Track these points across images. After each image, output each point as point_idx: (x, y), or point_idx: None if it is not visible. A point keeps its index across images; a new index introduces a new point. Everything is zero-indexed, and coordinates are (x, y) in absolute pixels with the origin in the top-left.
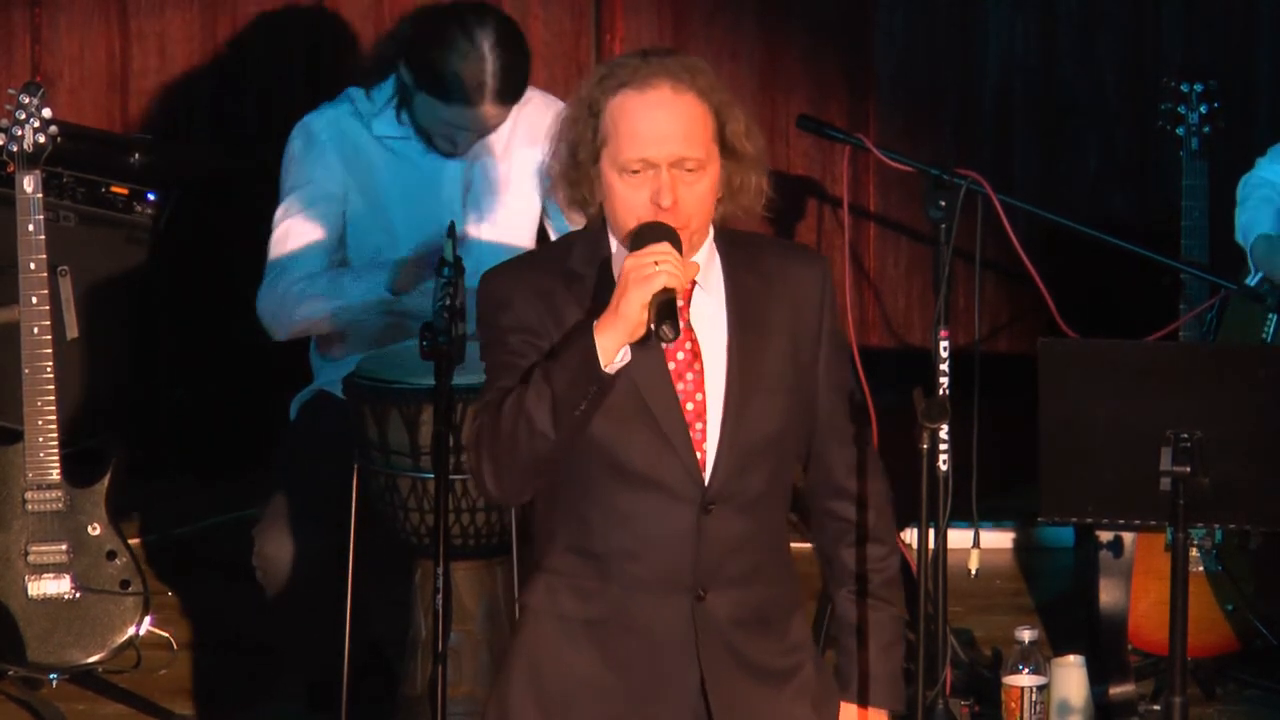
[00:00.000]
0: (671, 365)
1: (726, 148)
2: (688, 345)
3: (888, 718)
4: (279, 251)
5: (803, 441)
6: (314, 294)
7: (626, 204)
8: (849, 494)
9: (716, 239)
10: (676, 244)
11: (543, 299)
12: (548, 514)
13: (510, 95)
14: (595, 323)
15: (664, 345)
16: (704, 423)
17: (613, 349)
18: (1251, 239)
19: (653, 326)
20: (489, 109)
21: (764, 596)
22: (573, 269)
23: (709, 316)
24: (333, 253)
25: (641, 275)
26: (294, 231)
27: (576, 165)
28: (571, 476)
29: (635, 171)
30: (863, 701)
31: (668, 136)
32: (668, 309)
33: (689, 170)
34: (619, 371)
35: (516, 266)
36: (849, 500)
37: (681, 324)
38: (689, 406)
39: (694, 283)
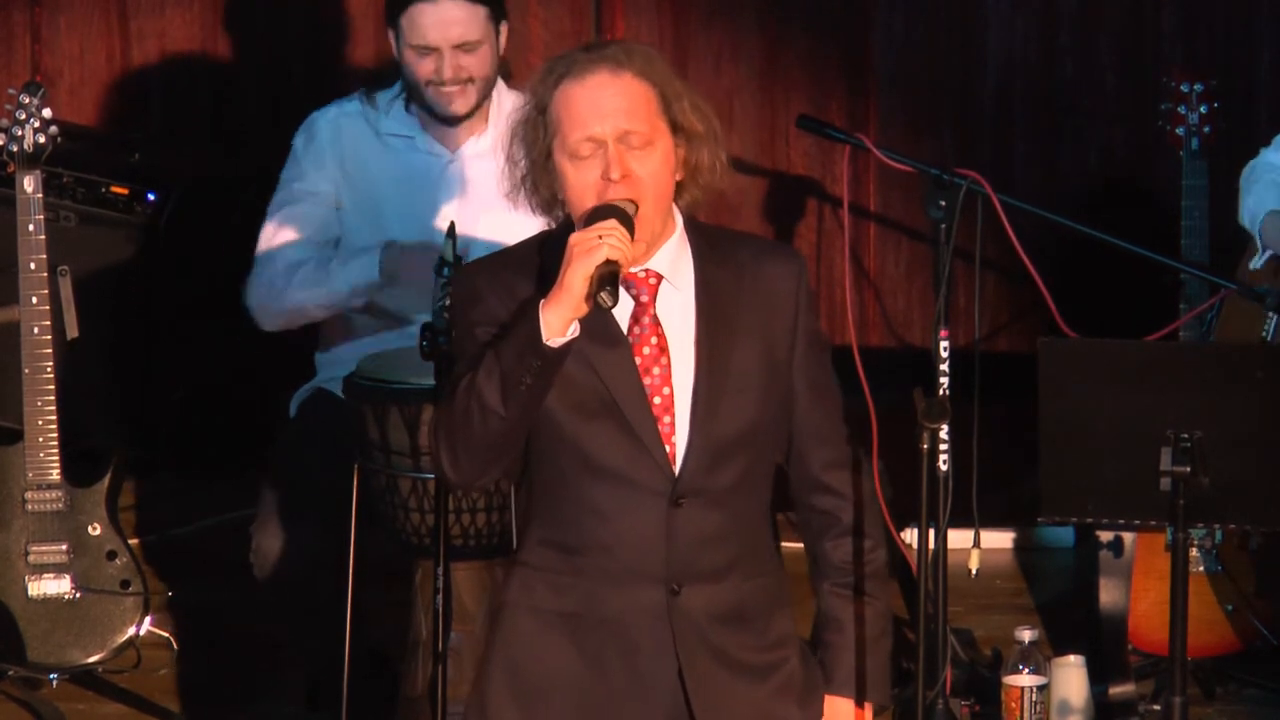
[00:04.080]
0: (638, 359)
1: (675, 125)
2: (654, 340)
3: (872, 711)
4: (267, 242)
5: (780, 438)
6: (300, 282)
7: (580, 188)
8: (829, 489)
9: (689, 232)
10: (626, 222)
11: (512, 294)
12: (527, 509)
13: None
14: (543, 299)
15: (632, 338)
16: (672, 416)
17: (557, 323)
18: (1261, 217)
19: (591, 293)
20: (451, 8)
21: (742, 591)
22: (542, 264)
23: (677, 310)
24: (320, 249)
25: (585, 248)
26: (284, 224)
27: (534, 165)
28: (544, 469)
29: (585, 155)
30: (847, 695)
31: (610, 112)
32: (609, 279)
33: (635, 146)
34: (567, 351)
35: (490, 262)
36: (830, 495)
37: (624, 293)
38: (656, 400)
39: (661, 277)
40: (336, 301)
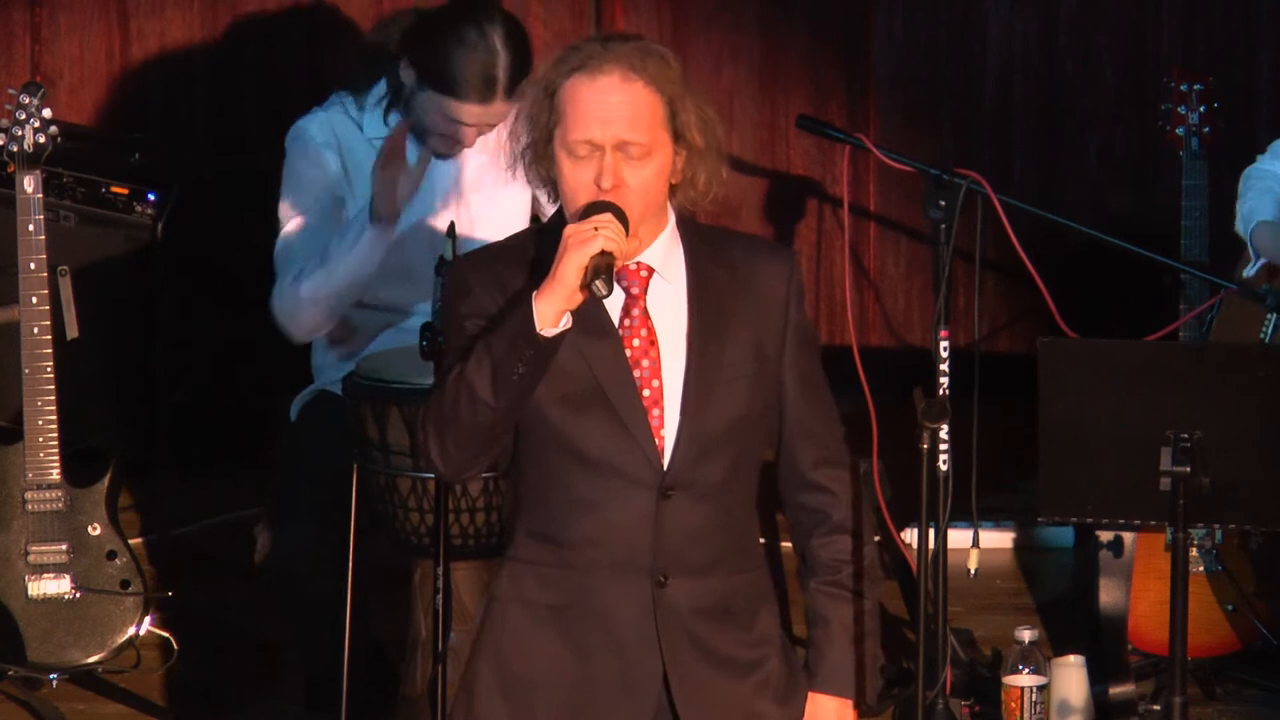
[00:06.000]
0: (628, 351)
1: (678, 136)
2: (643, 332)
3: (851, 708)
4: (284, 253)
5: (768, 433)
6: (310, 275)
7: (573, 184)
8: (818, 486)
9: (680, 229)
10: (621, 217)
11: (502, 287)
12: (513, 503)
13: (519, 91)
14: (536, 290)
15: (623, 330)
16: (661, 409)
17: (550, 313)
18: (1252, 225)
19: (586, 282)
20: (499, 105)
21: (728, 586)
22: (534, 256)
23: (668, 304)
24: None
25: (579, 240)
26: (296, 233)
27: (534, 144)
28: (532, 462)
29: (582, 156)
30: (829, 692)
31: (612, 120)
32: (604, 269)
33: (634, 157)
34: (559, 341)
35: (481, 255)
36: (819, 492)
37: (616, 285)
38: (645, 392)
39: (652, 270)
40: (347, 276)
